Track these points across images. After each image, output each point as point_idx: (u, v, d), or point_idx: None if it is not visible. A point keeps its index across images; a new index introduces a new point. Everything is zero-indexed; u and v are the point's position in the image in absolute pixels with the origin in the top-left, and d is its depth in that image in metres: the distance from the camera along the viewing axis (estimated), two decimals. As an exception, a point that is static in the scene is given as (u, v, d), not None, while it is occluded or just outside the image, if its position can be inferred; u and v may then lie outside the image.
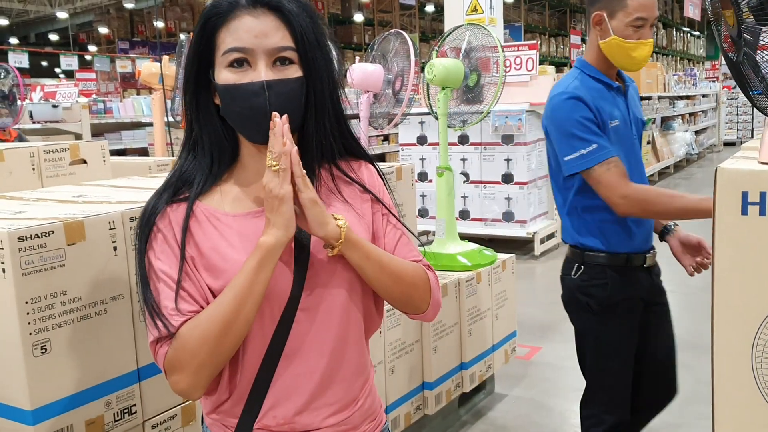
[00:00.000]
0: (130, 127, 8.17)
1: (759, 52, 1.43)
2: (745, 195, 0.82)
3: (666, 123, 11.35)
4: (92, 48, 23.42)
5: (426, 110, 3.65)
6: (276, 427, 1.14)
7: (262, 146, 1.11)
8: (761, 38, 1.41)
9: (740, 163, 0.85)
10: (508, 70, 3.19)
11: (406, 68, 3.33)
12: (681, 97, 12.03)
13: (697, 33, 25.56)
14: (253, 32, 1.08)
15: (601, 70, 2.12)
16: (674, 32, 22.96)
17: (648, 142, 2.13)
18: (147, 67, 3.99)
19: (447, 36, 3.33)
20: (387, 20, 21.72)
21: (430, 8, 21.01)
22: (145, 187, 2.01)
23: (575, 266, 2.15)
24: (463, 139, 6.10)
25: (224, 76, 1.09)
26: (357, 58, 18.99)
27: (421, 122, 6.31)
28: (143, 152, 7.60)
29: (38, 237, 1.44)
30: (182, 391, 1.09)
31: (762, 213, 0.82)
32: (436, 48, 3.30)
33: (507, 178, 6.08)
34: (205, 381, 1.09)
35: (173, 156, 3.96)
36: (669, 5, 22.31)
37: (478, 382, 3.13)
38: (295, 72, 1.10)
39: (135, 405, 1.65)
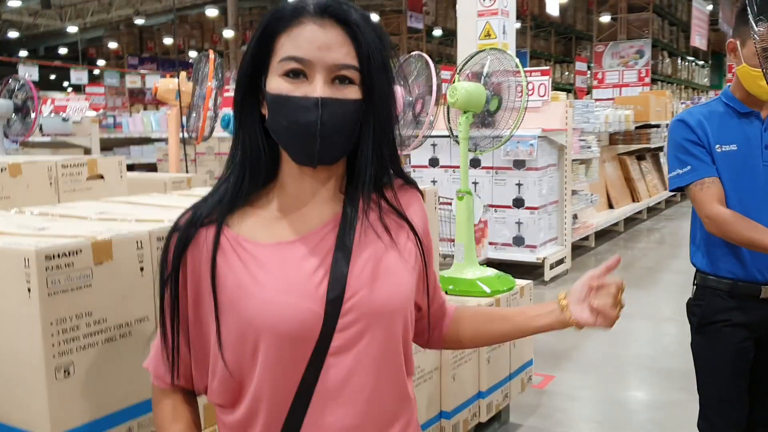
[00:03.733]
0: (138, 142, 8.16)
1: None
2: None
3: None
4: (101, 62, 23.54)
5: (439, 133, 3.62)
6: None
7: (305, 168, 1.03)
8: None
9: None
10: (520, 96, 3.15)
11: (426, 91, 3.31)
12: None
13: (701, 62, 25.68)
14: (316, 43, 0.98)
15: (738, 96, 2.15)
16: (679, 61, 23.07)
17: None
18: (164, 83, 3.96)
19: (469, 60, 3.31)
20: (394, 43, 21.86)
21: (437, 32, 21.13)
22: (168, 205, 1.97)
23: (693, 285, 2.27)
24: (475, 163, 6.07)
25: (277, 84, 1.00)
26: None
27: (434, 144, 6.29)
28: (152, 167, 7.58)
29: (66, 256, 1.39)
30: None
31: None
32: (457, 72, 3.27)
33: (518, 203, 6.04)
34: None
35: (187, 173, 3.92)
36: (674, 35, 22.45)
37: (495, 411, 3.06)
38: (353, 93, 1.01)
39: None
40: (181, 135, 3.92)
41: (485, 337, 1.28)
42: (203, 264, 1.04)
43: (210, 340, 1.07)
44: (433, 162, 6.40)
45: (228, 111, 4.31)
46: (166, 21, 18.74)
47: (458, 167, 3.22)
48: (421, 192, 1.20)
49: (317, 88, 0.98)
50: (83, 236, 1.46)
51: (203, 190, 2.53)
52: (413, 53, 3.42)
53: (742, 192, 2.08)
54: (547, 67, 7.70)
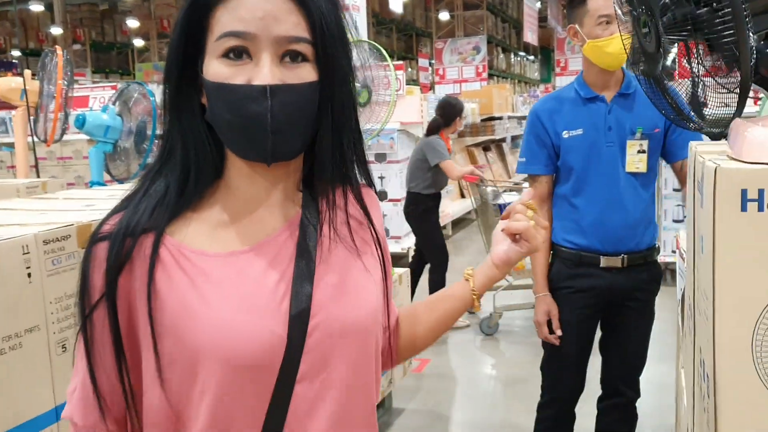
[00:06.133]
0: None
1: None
2: (744, 192, 0.88)
3: (515, 141, 12.02)
4: None
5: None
6: None
7: (257, 164, 0.87)
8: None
9: (736, 163, 0.91)
10: (387, 88, 3.23)
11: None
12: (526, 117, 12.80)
13: (531, 57, 27.33)
14: (259, 13, 0.81)
15: (588, 81, 2.33)
16: (512, 56, 24.42)
17: (640, 151, 2.27)
18: (5, 82, 3.65)
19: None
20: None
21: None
22: (37, 209, 1.84)
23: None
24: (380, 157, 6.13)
25: (215, 69, 0.83)
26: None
27: None
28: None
29: (-54, 265, 1.27)
30: None
31: (761, 209, 0.87)
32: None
33: (381, 196, 6.16)
34: None
35: (39, 177, 3.65)
36: (507, 31, 23.71)
37: (381, 398, 3.12)
38: (308, 74, 0.84)
39: (54, 448, 1.49)
40: (29, 138, 3.65)
41: (429, 331, 1.12)
42: (138, 280, 0.84)
43: (142, 377, 0.87)
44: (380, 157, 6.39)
45: (82, 111, 4.05)
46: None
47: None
48: (375, 191, 1.05)
49: (264, 70, 0.81)
50: (-37, 243, 1.33)
51: (80, 193, 2.38)
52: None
53: (589, 171, 2.28)
54: (401, 62, 7.92)
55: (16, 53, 18.77)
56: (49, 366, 1.48)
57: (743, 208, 0.88)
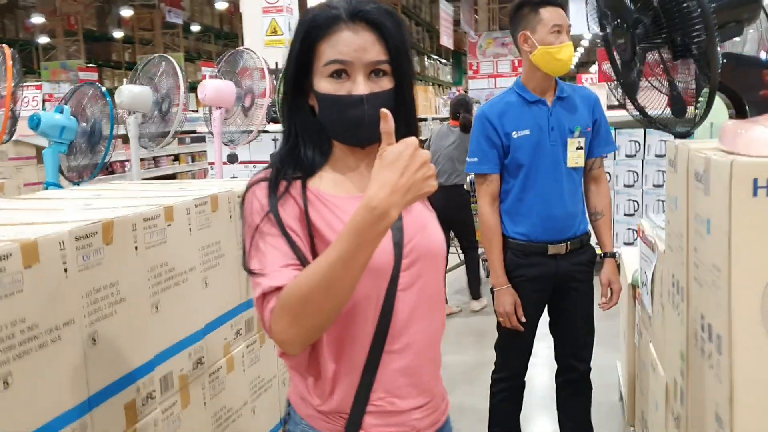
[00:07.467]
0: None
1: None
2: (755, 181, 1.07)
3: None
4: None
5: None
6: (388, 407, 1.24)
7: (353, 147, 1.27)
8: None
9: (746, 157, 1.10)
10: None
11: (256, 86, 3.37)
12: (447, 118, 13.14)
13: (444, 61, 27.93)
14: (353, 46, 1.18)
15: (529, 86, 2.52)
16: (426, 60, 24.89)
17: (578, 148, 2.51)
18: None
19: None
20: (148, 39, 20.90)
21: (195, 28, 20.61)
22: (41, 209, 1.86)
23: None
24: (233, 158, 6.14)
25: (324, 85, 1.21)
26: (124, 79, 18.03)
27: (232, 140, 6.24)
28: None
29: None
30: (284, 342, 1.13)
31: (769, 195, 1.06)
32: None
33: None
34: (308, 336, 1.13)
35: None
36: (421, 35, 24.15)
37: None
38: (388, 83, 1.22)
39: (88, 436, 1.54)
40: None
41: None
42: (291, 208, 1.20)
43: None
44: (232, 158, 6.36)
45: (36, 111, 3.95)
46: None
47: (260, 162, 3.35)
48: None
49: (360, 85, 1.19)
50: (10, 239, 1.37)
51: (59, 194, 2.38)
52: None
53: (537, 167, 2.53)
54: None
55: None
56: (83, 358, 1.53)
57: (754, 194, 1.07)
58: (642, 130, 5.60)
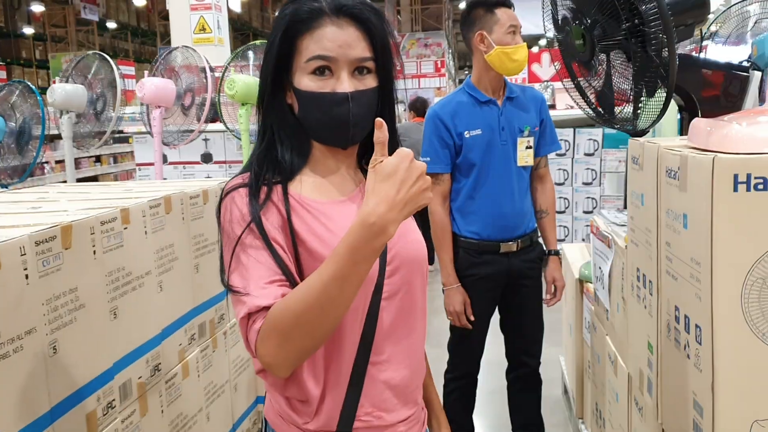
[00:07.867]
0: None
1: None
2: (735, 176, 1.11)
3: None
4: None
5: (214, 128, 3.63)
6: (375, 421, 1.19)
7: (334, 149, 1.21)
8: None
9: (726, 155, 1.14)
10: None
11: (196, 84, 3.29)
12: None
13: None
14: (338, 42, 1.12)
15: (480, 86, 2.55)
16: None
17: (527, 147, 2.55)
18: None
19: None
20: (61, 36, 20.08)
21: (111, 25, 19.92)
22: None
23: None
24: (207, 158, 6.01)
25: (306, 82, 1.14)
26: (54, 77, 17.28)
27: (206, 140, 6.05)
28: None
29: (-40, 267, 1.23)
30: (270, 365, 1.04)
31: (748, 189, 1.12)
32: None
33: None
34: (298, 358, 1.06)
35: None
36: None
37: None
38: (372, 81, 1.17)
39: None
40: None
41: None
42: (274, 216, 1.13)
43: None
44: (207, 157, 6.16)
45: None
46: None
47: (235, 162, 3.27)
48: None
49: (344, 83, 1.13)
50: (-32, 245, 1.28)
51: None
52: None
53: (488, 166, 2.57)
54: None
55: None
56: (45, 368, 1.45)
57: (735, 189, 1.12)
58: (601, 129, 5.76)
